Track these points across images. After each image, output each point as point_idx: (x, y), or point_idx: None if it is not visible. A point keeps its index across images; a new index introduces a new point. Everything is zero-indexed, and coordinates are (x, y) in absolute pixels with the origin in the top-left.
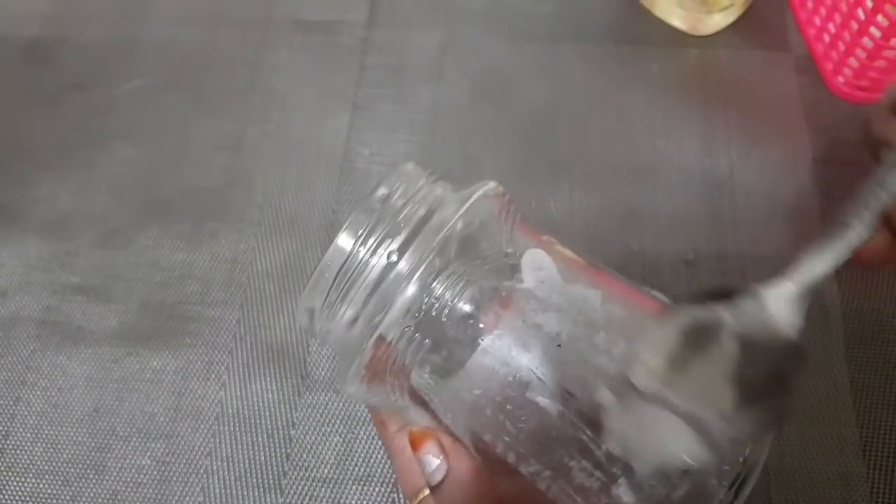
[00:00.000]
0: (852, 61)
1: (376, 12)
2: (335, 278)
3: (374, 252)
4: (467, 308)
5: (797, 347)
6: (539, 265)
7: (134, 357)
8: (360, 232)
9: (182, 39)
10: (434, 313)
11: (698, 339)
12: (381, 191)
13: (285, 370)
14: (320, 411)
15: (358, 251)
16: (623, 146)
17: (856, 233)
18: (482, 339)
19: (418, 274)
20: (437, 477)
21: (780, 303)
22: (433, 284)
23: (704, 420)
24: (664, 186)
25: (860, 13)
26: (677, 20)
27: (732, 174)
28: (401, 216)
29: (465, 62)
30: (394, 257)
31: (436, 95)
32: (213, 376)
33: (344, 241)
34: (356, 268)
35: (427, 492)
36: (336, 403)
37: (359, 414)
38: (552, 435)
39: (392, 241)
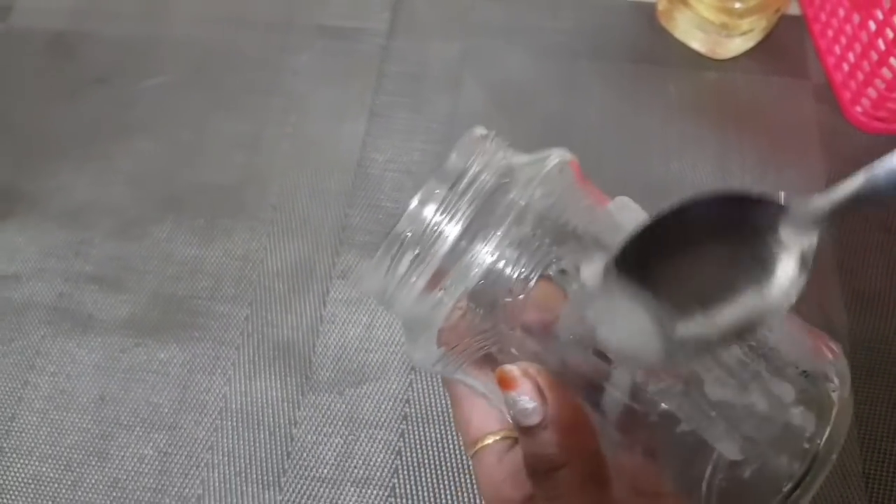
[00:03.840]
0: (871, 91)
1: (397, 21)
2: (408, 247)
3: (449, 221)
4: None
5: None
6: (627, 205)
7: (142, 348)
8: (435, 199)
9: (205, 38)
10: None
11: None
12: (455, 158)
13: (290, 369)
14: (322, 412)
15: (432, 219)
16: (637, 165)
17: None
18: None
19: (494, 245)
20: (532, 420)
21: (800, 212)
22: (510, 256)
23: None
24: None
25: (880, 44)
26: (697, 43)
27: None
28: (476, 184)
29: (483, 74)
30: (468, 226)
31: (452, 105)
32: (219, 371)
33: (418, 208)
34: (429, 236)
35: (488, 440)
36: (338, 405)
37: (360, 416)
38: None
39: (467, 211)
